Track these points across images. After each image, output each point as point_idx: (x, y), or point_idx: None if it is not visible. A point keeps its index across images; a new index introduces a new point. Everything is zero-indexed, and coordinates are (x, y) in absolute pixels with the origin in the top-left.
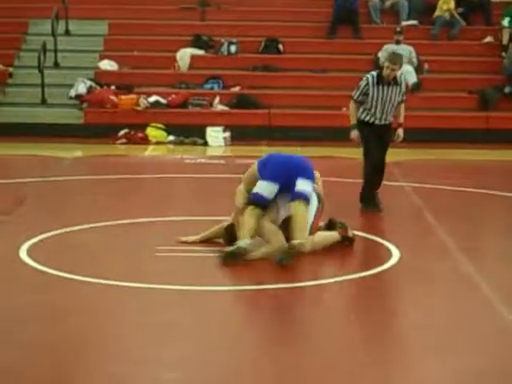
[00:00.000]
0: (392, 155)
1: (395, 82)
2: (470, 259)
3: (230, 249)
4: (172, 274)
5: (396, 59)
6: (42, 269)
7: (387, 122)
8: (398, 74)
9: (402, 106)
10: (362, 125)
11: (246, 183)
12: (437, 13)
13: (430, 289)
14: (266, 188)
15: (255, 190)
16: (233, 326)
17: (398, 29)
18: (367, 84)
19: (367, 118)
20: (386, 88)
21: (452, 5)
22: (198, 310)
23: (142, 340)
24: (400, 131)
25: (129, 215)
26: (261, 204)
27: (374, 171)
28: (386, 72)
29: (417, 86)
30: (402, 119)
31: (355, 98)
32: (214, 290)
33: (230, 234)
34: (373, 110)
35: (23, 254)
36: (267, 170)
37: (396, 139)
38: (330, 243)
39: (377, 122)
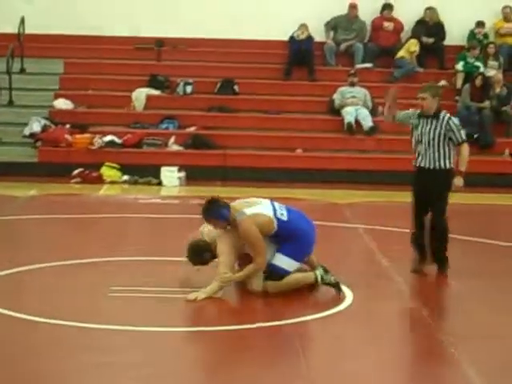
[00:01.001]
0: (346, 197)
1: (435, 116)
2: (422, 301)
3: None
4: (124, 315)
5: (425, 88)
6: None
7: (434, 167)
8: (443, 113)
9: (462, 149)
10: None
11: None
12: (401, 54)
13: (382, 330)
14: (291, 266)
15: (281, 264)
16: (184, 368)
17: (352, 71)
18: (413, 114)
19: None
20: (424, 121)
21: (417, 48)
22: (149, 352)
23: (90, 381)
24: (456, 180)
25: (83, 255)
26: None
27: (417, 228)
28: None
29: (373, 130)
30: (461, 165)
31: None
32: (167, 331)
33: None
34: (418, 148)
35: None
36: (294, 246)
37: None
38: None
39: (422, 164)
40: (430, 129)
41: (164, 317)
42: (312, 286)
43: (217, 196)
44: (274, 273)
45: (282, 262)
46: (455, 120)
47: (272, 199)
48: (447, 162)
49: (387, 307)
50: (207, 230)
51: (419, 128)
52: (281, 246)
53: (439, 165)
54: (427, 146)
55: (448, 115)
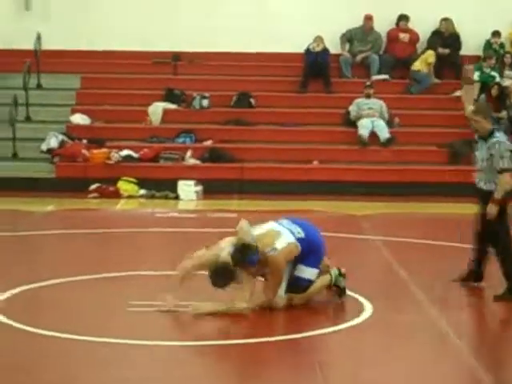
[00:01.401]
0: (363, 209)
1: (487, 137)
2: (441, 312)
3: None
4: (142, 329)
5: (477, 109)
6: (11, 324)
7: (485, 189)
8: (496, 135)
9: (500, 177)
10: None
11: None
12: (418, 66)
13: (403, 343)
14: (313, 274)
15: (305, 275)
16: (200, 382)
17: (368, 83)
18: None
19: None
20: (480, 142)
21: (434, 59)
22: (167, 367)
23: None
24: (488, 207)
25: (101, 270)
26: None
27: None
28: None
29: (389, 141)
30: (496, 193)
31: None
32: (185, 346)
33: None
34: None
35: None
36: (313, 256)
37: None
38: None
39: (477, 184)
40: (481, 150)
41: (182, 331)
42: (331, 295)
43: (247, 243)
44: (300, 285)
45: (306, 272)
46: (504, 145)
47: (278, 218)
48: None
49: (406, 319)
50: (226, 254)
51: (477, 147)
52: (299, 258)
53: (489, 187)
54: (479, 167)
55: (497, 139)
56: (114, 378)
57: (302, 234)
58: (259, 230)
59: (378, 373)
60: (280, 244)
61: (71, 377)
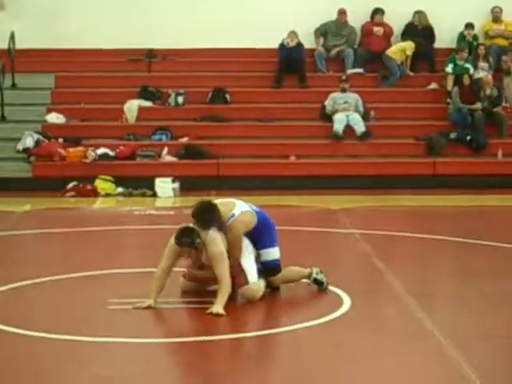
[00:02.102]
0: (340, 202)
1: None
2: (419, 304)
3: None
4: (123, 327)
5: None
6: None
7: None
8: None
9: None
10: None
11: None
12: (393, 54)
13: (382, 336)
14: (276, 253)
15: (268, 257)
16: (180, 378)
17: (344, 77)
18: None
19: None
20: None
21: (411, 52)
22: (149, 364)
23: None
24: None
25: (80, 268)
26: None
27: None
28: None
29: (365, 134)
30: None
31: None
32: (162, 342)
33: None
34: None
35: None
36: (270, 235)
37: None
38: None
39: None
40: None
41: (163, 328)
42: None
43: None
44: (271, 267)
45: (269, 254)
46: None
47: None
48: None
49: (385, 312)
50: None
51: None
52: (256, 241)
53: None
54: None
55: None
56: (94, 377)
57: (256, 208)
58: (217, 200)
59: (357, 367)
60: (237, 211)
61: (48, 376)
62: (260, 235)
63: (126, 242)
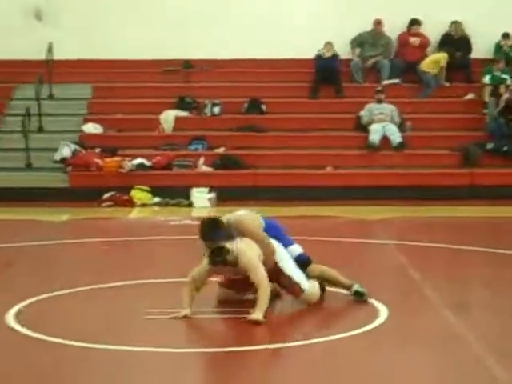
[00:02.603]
0: (376, 213)
1: None
2: (456, 315)
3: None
4: (162, 337)
5: None
6: (29, 333)
7: None
8: None
9: None
10: None
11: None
12: (428, 66)
13: (420, 348)
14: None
15: (300, 251)
16: None
17: (379, 88)
18: None
19: None
20: None
21: (445, 62)
22: (187, 372)
23: None
24: None
25: (116, 278)
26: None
27: None
28: None
29: (401, 145)
30: None
31: None
32: (204, 352)
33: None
34: None
35: (10, 318)
36: (284, 236)
37: None
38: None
39: None
40: None
41: (200, 337)
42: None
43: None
44: (300, 262)
45: (292, 250)
46: None
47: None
48: None
49: (421, 323)
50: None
51: None
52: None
53: None
54: None
55: None
56: None
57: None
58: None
59: (396, 379)
60: (235, 214)
61: None
62: (277, 238)
63: (162, 252)
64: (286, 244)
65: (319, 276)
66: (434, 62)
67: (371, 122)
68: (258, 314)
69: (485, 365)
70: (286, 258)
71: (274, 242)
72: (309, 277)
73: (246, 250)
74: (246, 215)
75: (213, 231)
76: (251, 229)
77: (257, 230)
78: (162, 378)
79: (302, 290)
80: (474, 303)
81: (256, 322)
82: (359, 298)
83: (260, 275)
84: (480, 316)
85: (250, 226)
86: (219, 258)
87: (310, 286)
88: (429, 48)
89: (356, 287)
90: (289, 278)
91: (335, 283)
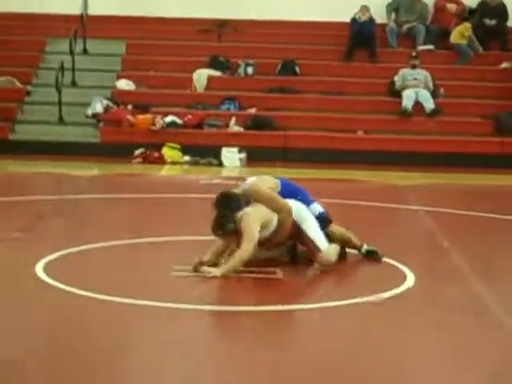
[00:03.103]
0: (407, 179)
1: None
2: (483, 283)
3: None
4: (188, 294)
5: None
6: (59, 285)
7: None
8: None
9: None
10: None
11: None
12: (457, 40)
13: (447, 314)
14: (319, 206)
15: (320, 209)
16: (243, 346)
17: (414, 53)
18: None
19: None
20: None
21: (469, 32)
22: (213, 329)
23: (154, 358)
24: None
25: (144, 234)
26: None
27: None
28: None
29: (434, 111)
30: None
31: None
32: (229, 311)
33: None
34: None
35: (40, 270)
36: (304, 196)
37: None
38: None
39: None
40: None
41: (226, 296)
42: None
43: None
44: (319, 220)
45: (313, 209)
46: None
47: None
48: None
49: (449, 290)
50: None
51: None
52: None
53: None
54: None
55: None
56: (161, 342)
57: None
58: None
59: (424, 344)
60: (249, 180)
61: (120, 342)
62: (297, 198)
63: (191, 210)
64: (307, 203)
65: (339, 237)
66: (459, 33)
67: (405, 87)
68: (217, 271)
69: (507, 328)
70: (309, 219)
71: (295, 203)
72: (329, 237)
73: (249, 217)
74: (257, 180)
75: (222, 205)
76: (261, 192)
77: (266, 193)
78: (188, 334)
79: (319, 250)
80: (502, 271)
81: (213, 277)
82: (375, 255)
83: (245, 244)
84: (507, 284)
85: (260, 190)
86: (219, 231)
87: (328, 247)
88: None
89: (366, 246)
90: (312, 242)
91: (348, 244)
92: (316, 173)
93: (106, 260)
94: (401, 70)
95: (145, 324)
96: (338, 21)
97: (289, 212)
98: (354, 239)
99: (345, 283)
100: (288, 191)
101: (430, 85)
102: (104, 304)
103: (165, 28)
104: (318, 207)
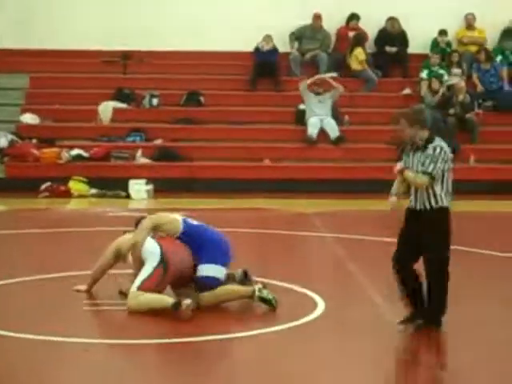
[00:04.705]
0: (314, 206)
1: (418, 146)
2: (393, 308)
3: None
4: (100, 328)
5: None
6: None
7: (421, 207)
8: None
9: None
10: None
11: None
12: (354, 66)
13: (356, 339)
14: (218, 271)
15: (208, 273)
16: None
17: (318, 81)
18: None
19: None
20: (411, 155)
21: (364, 56)
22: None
23: None
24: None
25: (53, 269)
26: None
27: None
28: None
29: (339, 139)
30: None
31: None
32: (139, 344)
33: None
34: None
35: None
36: (213, 252)
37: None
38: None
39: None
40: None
41: (135, 329)
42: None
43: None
44: (205, 284)
45: (208, 270)
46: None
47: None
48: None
49: (358, 315)
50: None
51: None
52: (198, 256)
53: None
54: None
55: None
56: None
57: (194, 222)
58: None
59: (332, 372)
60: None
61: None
62: (201, 252)
63: (100, 244)
64: (210, 261)
65: (213, 300)
66: (354, 60)
67: (309, 116)
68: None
69: (419, 355)
70: (150, 260)
71: (153, 244)
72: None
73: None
74: (157, 215)
75: None
76: (143, 222)
77: (140, 229)
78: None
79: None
80: None
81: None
82: (268, 305)
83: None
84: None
85: (143, 224)
86: None
87: (133, 291)
88: (367, 43)
89: (257, 292)
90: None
91: (235, 299)
92: (223, 202)
93: (15, 296)
94: (305, 98)
95: (51, 361)
96: (241, 50)
97: (135, 247)
98: (236, 292)
99: (255, 314)
100: (195, 240)
101: (335, 113)
102: (20, 342)
103: (69, 60)
104: (220, 270)
